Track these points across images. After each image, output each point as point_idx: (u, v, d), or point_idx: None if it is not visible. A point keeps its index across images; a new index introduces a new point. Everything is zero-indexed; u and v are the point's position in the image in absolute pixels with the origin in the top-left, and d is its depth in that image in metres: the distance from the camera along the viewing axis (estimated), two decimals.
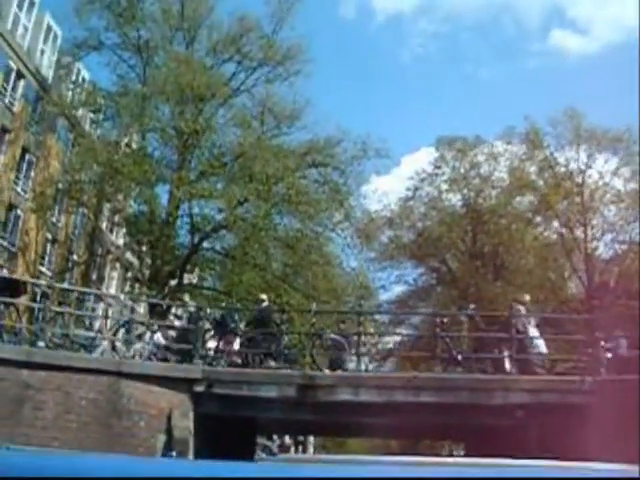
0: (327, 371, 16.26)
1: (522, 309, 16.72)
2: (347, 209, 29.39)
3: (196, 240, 30.06)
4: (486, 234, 36.57)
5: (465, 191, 38.85)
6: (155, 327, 16.91)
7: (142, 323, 17.73)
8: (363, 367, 17.61)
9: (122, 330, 16.34)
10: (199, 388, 15.99)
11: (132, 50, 32.18)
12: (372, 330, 33.58)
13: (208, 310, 17.46)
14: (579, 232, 32.05)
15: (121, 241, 39.81)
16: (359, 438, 42.40)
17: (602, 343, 16.07)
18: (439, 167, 39.06)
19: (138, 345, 16.12)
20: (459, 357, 16.16)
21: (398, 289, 40.04)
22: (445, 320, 16.72)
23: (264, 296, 17.43)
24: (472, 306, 18.19)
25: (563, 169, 32.97)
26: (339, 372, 16.08)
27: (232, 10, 32.75)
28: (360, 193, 30.43)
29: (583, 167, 32.21)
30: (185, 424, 15.71)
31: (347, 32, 79.22)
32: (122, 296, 17.24)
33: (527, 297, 17.63)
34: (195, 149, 30.12)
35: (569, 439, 14.38)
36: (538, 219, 34.89)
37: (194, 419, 15.89)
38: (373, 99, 78.13)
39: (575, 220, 31.96)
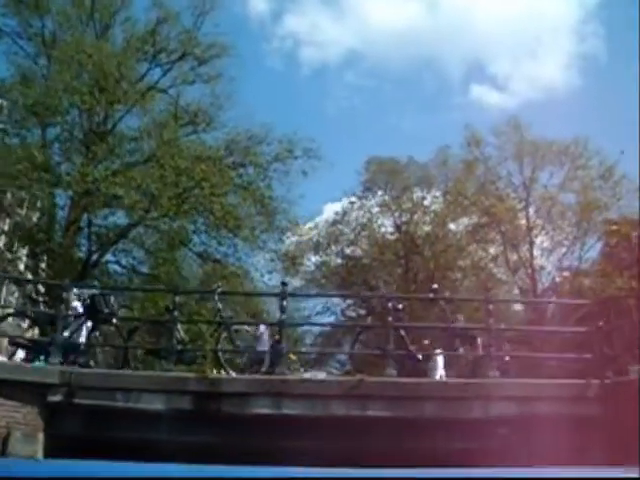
0: (234, 374, 11.08)
1: None
2: (270, 214, 24.30)
3: (95, 249, 24.80)
4: (420, 259, 32.07)
5: (397, 214, 34.65)
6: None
7: None
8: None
9: None
10: (55, 398, 10.60)
11: (36, 41, 27.12)
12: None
13: (75, 290, 12.07)
14: (524, 250, 27.68)
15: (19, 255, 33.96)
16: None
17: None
18: (369, 189, 34.92)
19: None
20: (419, 356, 11.21)
21: (324, 320, 35.23)
22: (400, 306, 11.72)
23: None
24: (434, 286, 13.41)
25: (505, 184, 28.78)
26: (253, 375, 10.90)
27: (150, 5, 27.97)
28: (285, 198, 25.19)
29: (527, 182, 28.02)
30: (31, 450, 10.25)
31: (272, 83, 75.46)
32: None
33: None
34: (102, 147, 24.88)
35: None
36: (478, 240, 30.34)
37: (46, 443, 10.48)
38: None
39: (520, 238, 27.60)
